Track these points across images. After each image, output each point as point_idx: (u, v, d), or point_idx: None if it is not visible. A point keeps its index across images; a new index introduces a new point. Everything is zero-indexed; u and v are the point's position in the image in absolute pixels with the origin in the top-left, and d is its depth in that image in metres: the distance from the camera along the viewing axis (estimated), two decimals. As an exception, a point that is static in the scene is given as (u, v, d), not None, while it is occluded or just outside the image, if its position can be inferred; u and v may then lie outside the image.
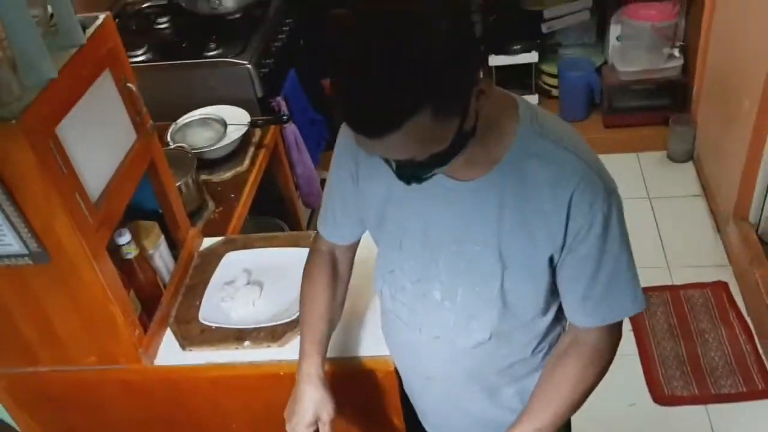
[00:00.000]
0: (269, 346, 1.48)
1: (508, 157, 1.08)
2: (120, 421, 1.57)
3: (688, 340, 2.61)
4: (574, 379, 1.19)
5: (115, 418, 1.57)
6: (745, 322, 2.65)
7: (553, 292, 1.19)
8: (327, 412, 1.30)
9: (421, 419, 1.50)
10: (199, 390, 1.49)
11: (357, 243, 1.39)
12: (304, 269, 1.39)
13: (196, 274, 1.66)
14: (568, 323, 1.24)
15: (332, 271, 1.38)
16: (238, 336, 1.50)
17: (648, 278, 2.93)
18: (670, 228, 3.09)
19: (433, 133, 0.92)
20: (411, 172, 1.01)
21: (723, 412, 2.38)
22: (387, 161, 1.01)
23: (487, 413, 1.34)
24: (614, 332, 1.20)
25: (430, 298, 1.22)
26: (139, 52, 2.54)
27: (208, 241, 1.76)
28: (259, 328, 1.50)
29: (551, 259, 1.13)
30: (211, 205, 2.04)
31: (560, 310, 1.25)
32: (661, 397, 2.44)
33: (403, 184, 1.03)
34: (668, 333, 2.65)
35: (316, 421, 1.29)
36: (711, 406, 2.40)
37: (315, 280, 1.37)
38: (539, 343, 1.26)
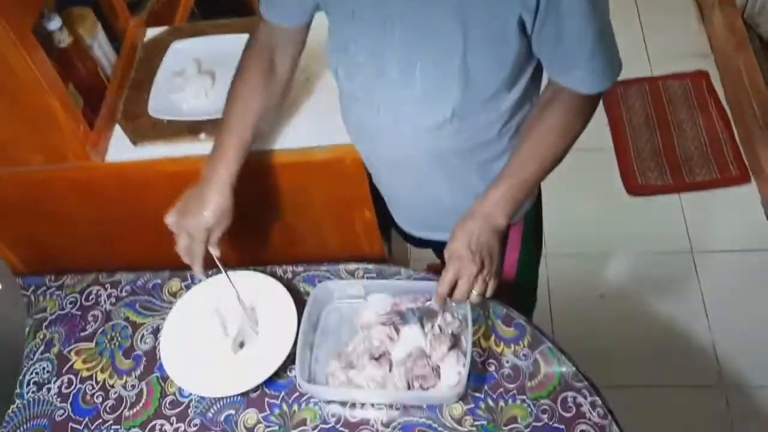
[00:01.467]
0: (227, 138, 1.38)
1: None
2: (76, 224, 1.50)
3: (664, 131, 2.57)
4: (560, 128, 1.13)
5: (71, 220, 1.50)
6: (724, 110, 2.59)
7: (521, 64, 1.09)
8: (227, 222, 1.22)
9: (389, 209, 1.45)
10: (155, 186, 1.41)
11: (304, 31, 1.25)
12: (240, 62, 1.26)
13: (142, 67, 1.52)
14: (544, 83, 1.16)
15: (269, 70, 1.25)
16: (192, 128, 1.39)
17: (627, 71, 2.83)
18: (652, 17, 2.94)
19: None
20: None
21: (695, 200, 2.40)
22: None
23: (452, 201, 1.28)
24: (598, 95, 1.12)
25: (387, 75, 1.11)
26: None
27: (152, 32, 1.60)
28: (215, 119, 1.39)
29: (521, 24, 1.02)
30: (153, -6, 1.84)
31: (529, 86, 1.15)
32: (634, 188, 2.44)
33: None
34: (645, 125, 2.60)
35: (211, 228, 1.21)
36: (684, 195, 2.41)
37: (249, 77, 1.24)
38: (505, 123, 1.17)
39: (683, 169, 2.45)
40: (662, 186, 2.42)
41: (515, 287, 1.44)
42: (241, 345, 1.24)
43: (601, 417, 1.10)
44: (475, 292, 1.12)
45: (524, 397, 1.14)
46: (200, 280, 1.31)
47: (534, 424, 1.11)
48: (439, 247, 1.42)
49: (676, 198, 2.40)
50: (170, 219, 1.22)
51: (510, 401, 1.14)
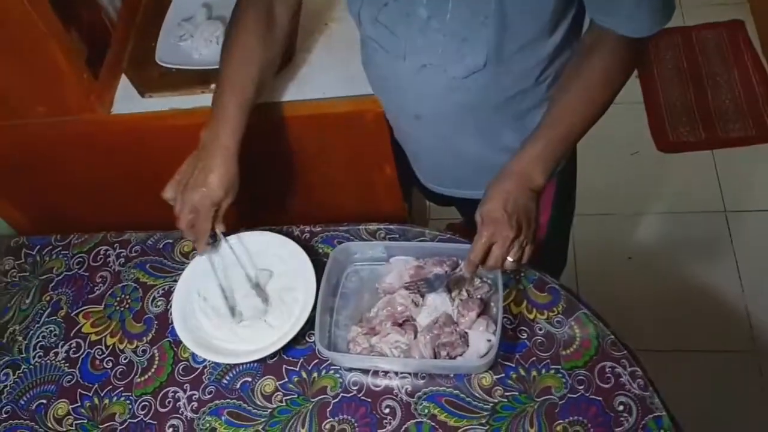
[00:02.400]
0: (239, 88, 1.29)
1: None
2: (82, 180, 1.43)
3: (697, 84, 2.45)
4: (603, 77, 1.02)
5: (77, 176, 1.43)
6: (760, 63, 2.47)
7: (563, 5, 0.98)
8: (234, 194, 1.14)
9: (412, 165, 1.36)
10: (164, 140, 1.33)
11: None
12: (234, 13, 1.15)
13: (148, 13, 1.43)
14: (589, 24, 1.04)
15: (267, 19, 1.15)
16: (202, 78, 1.31)
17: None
18: (686, -37, 2.79)
19: None
20: None
21: (729, 156, 2.29)
22: None
23: (482, 156, 1.19)
24: (645, 40, 1.00)
25: (415, 17, 1.01)
26: None
27: (159, -25, 1.50)
28: (227, 68, 1.30)
29: None
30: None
31: (570, 30, 1.04)
32: (665, 144, 2.33)
33: None
34: (677, 78, 2.48)
35: (220, 202, 1.13)
36: (717, 152, 2.30)
37: (246, 28, 1.14)
38: (544, 70, 1.07)
39: (717, 124, 2.34)
40: (694, 142, 2.32)
41: (544, 250, 1.36)
42: (236, 312, 1.17)
43: (642, 388, 1.03)
44: (510, 258, 1.02)
45: (558, 366, 1.07)
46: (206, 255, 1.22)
47: (569, 395, 1.04)
48: (463, 204, 1.33)
49: (709, 155, 2.29)
50: (169, 193, 1.13)
51: (543, 371, 1.07)
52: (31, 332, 1.24)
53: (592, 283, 2.03)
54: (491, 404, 1.05)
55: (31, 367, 1.21)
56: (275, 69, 1.21)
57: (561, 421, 1.02)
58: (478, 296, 1.11)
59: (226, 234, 1.18)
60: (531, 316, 1.13)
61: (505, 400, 1.05)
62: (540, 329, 1.11)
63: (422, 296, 1.13)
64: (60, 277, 1.31)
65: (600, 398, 1.03)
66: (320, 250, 1.26)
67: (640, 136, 2.37)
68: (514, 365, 1.08)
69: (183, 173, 1.13)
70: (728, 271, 2.05)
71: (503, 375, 1.07)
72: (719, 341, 1.93)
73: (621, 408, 1.02)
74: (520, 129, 1.12)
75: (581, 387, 1.04)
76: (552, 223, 1.34)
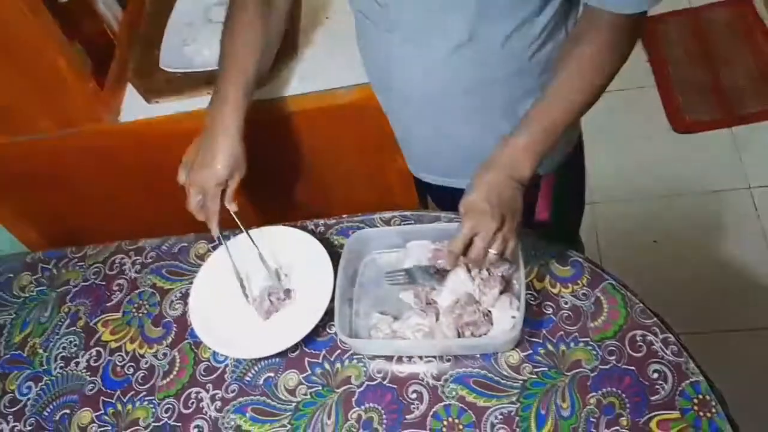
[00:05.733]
0: (245, 88, 1.29)
1: None
2: (95, 192, 1.43)
3: (709, 64, 2.42)
4: (595, 62, 0.96)
5: (89, 189, 1.42)
6: (772, 38, 2.42)
7: None
8: (240, 173, 1.12)
9: (405, 155, 1.32)
10: (173, 144, 1.30)
11: None
12: None
13: (150, 22, 1.43)
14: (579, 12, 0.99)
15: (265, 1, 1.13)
16: (207, 80, 1.29)
17: (664, 3, 2.66)
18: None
19: None
20: None
21: (749, 133, 2.25)
22: None
23: (474, 143, 1.13)
24: (639, 20, 0.94)
25: None
26: None
27: (159, -15, 1.51)
28: (231, 68, 1.30)
29: None
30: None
31: (564, 10, 1.01)
32: (681, 125, 2.29)
33: None
34: (687, 59, 2.45)
35: (225, 181, 1.11)
36: (736, 129, 2.25)
37: (244, 10, 1.12)
38: (536, 52, 1.02)
39: (733, 101, 2.29)
40: (712, 121, 2.27)
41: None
42: (273, 311, 1.16)
43: (676, 354, 0.99)
44: (492, 251, 0.98)
45: (587, 339, 1.03)
46: (219, 241, 1.20)
47: (600, 367, 1.00)
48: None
49: (728, 132, 2.25)
50: (181, 177, 1.12)
51: (572, 345, 1.03)
52: (51, 344, 1.24)
53: (618, 270, 1.96)
54: (521, 381, 1.02)
55: (52, 378, 1.19)
56: (275, 50, 1.19)
57: (594, 393, 0.98)
58: (499, 273, 1.08)
59: (239, 216, 1.15)
60: (555, 291, 1.10)
61: (535, 376, 1.02)
62: (565, 303, 1.08)
63: (443, 277, 1.10)
64: (77, 288, 1.30)
65: (633, 368, 0.99)
66: (336, 242, 1.24)
67: (657, 119, 2.33)
68: (541, 341, 1.05)
69: (189, 155, 1.12)
70: (757, 249, 2.00)
71: (531, 352, 1.04)
72: (751, 319, 1.87)
73: (656, 376, 0.98)
74: (513, 116, 1.07)
75: (612, 358, 1.01)
76: (555, 219, 1.27)
